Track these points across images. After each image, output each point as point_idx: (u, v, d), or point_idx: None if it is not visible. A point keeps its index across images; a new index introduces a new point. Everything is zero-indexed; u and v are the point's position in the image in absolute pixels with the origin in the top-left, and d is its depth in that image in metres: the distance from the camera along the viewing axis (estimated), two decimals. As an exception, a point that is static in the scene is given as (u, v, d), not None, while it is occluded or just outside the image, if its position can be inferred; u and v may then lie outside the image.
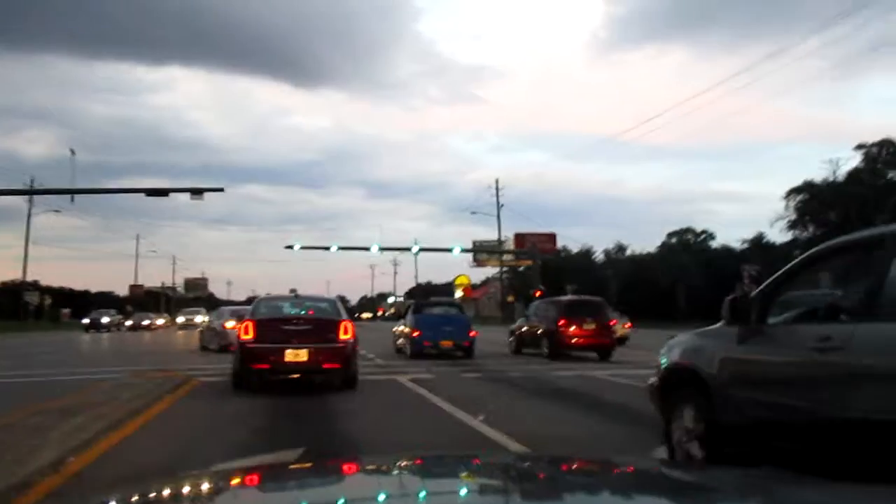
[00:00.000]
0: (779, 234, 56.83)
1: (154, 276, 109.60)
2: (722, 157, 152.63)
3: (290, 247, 53.09)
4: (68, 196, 30.91)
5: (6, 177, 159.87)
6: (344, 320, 12.23)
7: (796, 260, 5.19)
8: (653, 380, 5.99)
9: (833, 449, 4.03)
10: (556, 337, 20.23)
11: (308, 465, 2.58)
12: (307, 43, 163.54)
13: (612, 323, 21.26)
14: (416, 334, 20.61)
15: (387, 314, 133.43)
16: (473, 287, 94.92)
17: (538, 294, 58.45)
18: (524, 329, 22.65)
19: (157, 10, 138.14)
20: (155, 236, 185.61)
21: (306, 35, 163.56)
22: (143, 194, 30.42)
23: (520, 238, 66.22)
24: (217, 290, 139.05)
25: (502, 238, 64.68)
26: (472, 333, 21.13)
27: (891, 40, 73.21)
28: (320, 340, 11.61)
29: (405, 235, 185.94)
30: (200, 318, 54.88)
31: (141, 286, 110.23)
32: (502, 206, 64.42)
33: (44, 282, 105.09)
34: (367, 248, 53.91)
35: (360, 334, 14.01)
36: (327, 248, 53.76)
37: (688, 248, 66.66)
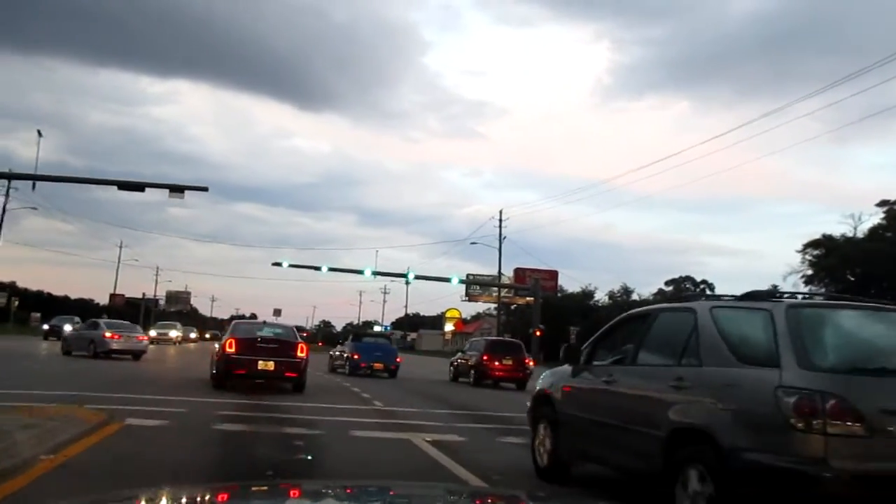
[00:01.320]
0: (791, 288, 53.04)
1: (140, 287, 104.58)
2: (713, 210, 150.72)
3: (279, 264, 48.82)
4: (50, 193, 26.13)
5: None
6: (300, 343, 16.46)
7: (608, 325, 7.38)
8: (528, 402, 8.23)
9: (613, 441, 6.18)
10: (480, 369, 24.77)
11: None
12: (315, 66, 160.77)
13: (526, 361, 25.04)
14: (355, 356, 25.66)
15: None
16: (464, 321, 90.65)
17: (538, 334, 54.53)
18: (459, 361, 27.13)
19: (170, 23, 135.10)
20: (144, 247, 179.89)
21: (315, 59, 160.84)
22: (120, 189, 25.97)
23: (520, 273, 62.13)
24: (201, 305, 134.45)
25: (501, 272, 60.31)
26: (398, 360, 26.60)
27: (885, 107, 71.29)
28: (283, 356, 15.66)
29: (396, 265, 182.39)
30: (175, 333, 50.30)
31: (122, 295, 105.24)
32: (504, 238, 60.14)
33: (22, 284, 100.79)
34: (359, 272, 49.67)
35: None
36: (318, 269, 49.53)
37: (686, 298, 62.65)
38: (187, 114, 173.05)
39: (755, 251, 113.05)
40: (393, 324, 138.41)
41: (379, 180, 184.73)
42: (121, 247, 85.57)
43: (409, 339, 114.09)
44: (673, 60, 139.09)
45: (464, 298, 76.27)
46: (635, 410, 5.89)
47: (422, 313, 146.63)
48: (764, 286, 66.69)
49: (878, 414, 4.31)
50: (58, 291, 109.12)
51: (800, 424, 4.32)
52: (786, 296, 5.79)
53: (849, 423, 4.27)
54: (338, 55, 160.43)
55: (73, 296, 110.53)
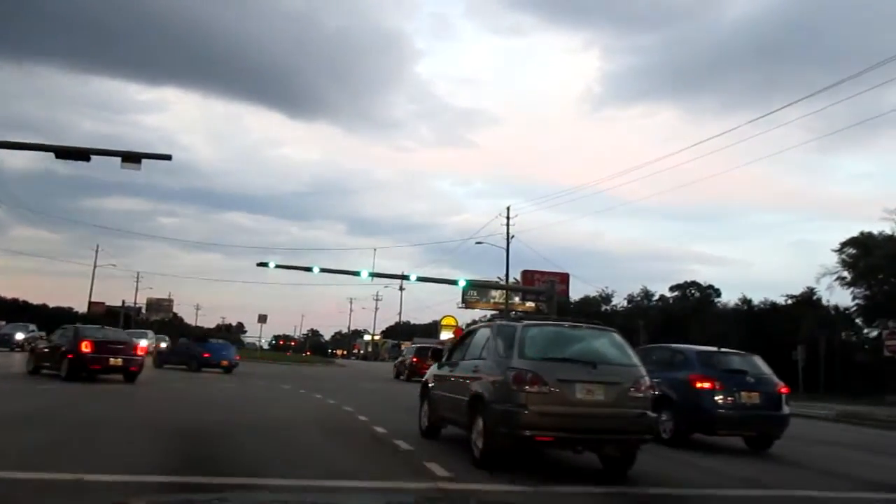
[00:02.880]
0: (826, 293, 47.10)
1: (123, 296, 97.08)
2: (700, 218, 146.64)
3: (265, 264, 42.37)
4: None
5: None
6: (139, 345, 21.44)
7: (460, 335, 12.94)
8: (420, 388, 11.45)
9: (452, 408, 9.45)
10: (412, 368, 32.39)
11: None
12: (307, 75, 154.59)
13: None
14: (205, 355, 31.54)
15: (362, 352, 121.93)
16: (460, 328, 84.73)
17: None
18: (398, 362, 36.94)
19: (159, 30, 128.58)
20: (132, 257, 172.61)
21: (307, 67, 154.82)
22: (58, 157, 19.53)
23: (528, 276, 55.93)
24: (186, 314, 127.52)
25: (508, 273, 53.89)
26: (237, 357, 32.69)
27: (870, 115, 66.61)
28: (127, 354, 19.66)
29: (377, 278, 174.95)
30: (145, 343, 43.48)
31: (101, 303, 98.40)
32: (513, 237, 53.80)
33: (7, 294, 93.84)
34: (355, 273, 43.19)
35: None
36: (309, 269, 43.04)
37: (709, 303, 56.67)
38: (177, 122, 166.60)
39: (743, 260, 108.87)
40: (384, 332, 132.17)
41: (369, 189, 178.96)
42: (97, 250, 78.46)
43: (402, 348, 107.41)
44: (662, 69, 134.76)
45: (460, 305, 70.16)
46: (459, 388, 9.26)
47: (412, 321, 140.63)
48: (781, 290, 60.53)
49: (555, 381, 7.91)
50: (40, 300, 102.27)
51: (514, 387, 7.91)
52: (523, 319, 11.39)
53: (538, 386, 7.86)
54: (330, 63, 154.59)
55: (52, 304, 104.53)
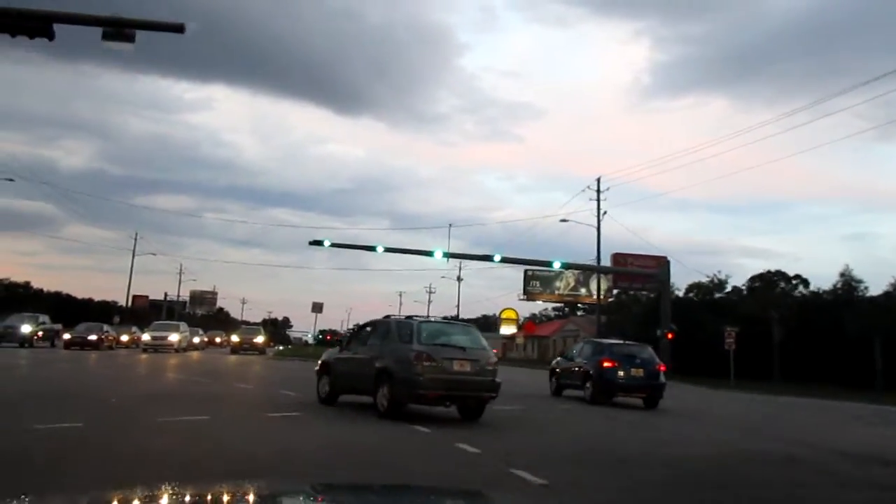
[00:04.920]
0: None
1: (168, 290, 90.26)
2: (746, 209, 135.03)
3: (319, 242, 33.93)
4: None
5: (40, 188, 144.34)
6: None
7: (358, 328, 14.55)
8: (315, 367, 13.56)
9: (356, 380, 11.94)
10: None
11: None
12: (352, 70, 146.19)
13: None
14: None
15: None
16: (536, 322, 75.30)
17: (670, 336, 38.90)
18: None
19: (208, 29, 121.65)
20: (180, 253, 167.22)
21: (352, 63, 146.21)
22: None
23: (620, 260, 46.47)
24: (232, 308, 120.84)
25: (599, 256, 44.42)
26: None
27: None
28: None
29: (429, 269, 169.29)
30: (176, 337, 35.30)
31: (145, 297, 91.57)
32: (604, 213, 44.41)
33: (52, 287, 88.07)
34: (428, 253, 34.47)
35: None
36: (373, 249, 34.46)
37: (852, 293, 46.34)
38: (223, 120, 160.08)
39: (791, 253, 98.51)
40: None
41: (412, 185, 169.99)
42: (135, 238, 70.43)
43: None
44: (714, 58, 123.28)
45: (521, 297, 61.22)
46: (365, 363, 11.54)
47: (461, 316, 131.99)
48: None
49: (440, 359, 10.70)
50: (88, 296, 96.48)
51: (416, 362, 10.52)
52: (416, 316, 12.21)
53: (430, 362, 10.58)
54: (374, 58, 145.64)
55: (98, 298, 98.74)
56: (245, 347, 37.72)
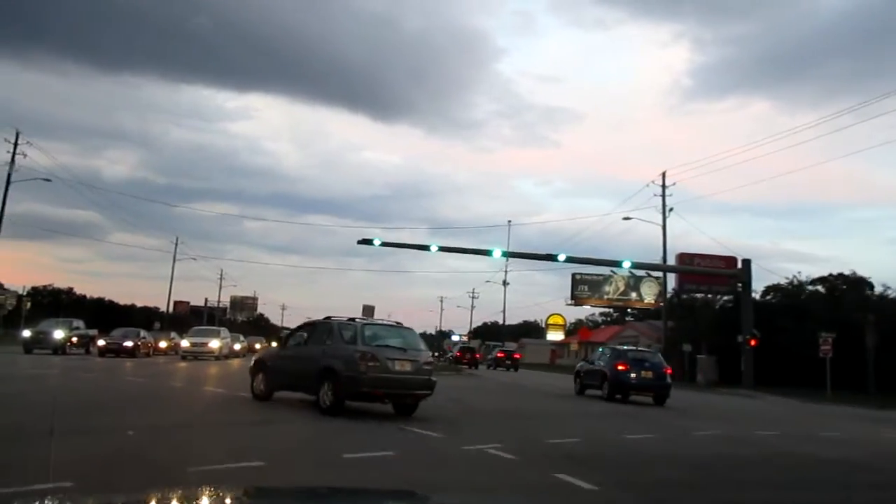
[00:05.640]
0: None
1: (209, 296, 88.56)
2: (790, 214, 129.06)
3: (369, 241, 30.95)
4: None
5: (85, 196, 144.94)
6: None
7: (297, 328, 14.56)
8: (250, 365, 13.72)
9: (296, 377, 12.11)
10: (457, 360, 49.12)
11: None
12: (389, 77, 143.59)
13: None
14: None
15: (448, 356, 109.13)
16: (587, 327, 71.63)
17: (754, 343, 35.02)
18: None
19: (247, 38, 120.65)
20: (220, 260, 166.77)
21: (389, 69, 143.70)
22: None
23: (686, 260, 42.62)
24: (271, 313, 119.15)
25: (665, 256, 40.66)
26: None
27: None
28: None
29: (467, 275, 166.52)
30: (217, 344, 32.51)
31: (186, 303, 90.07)
32: (671, 210, 40.77)
33: (95, 294, 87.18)
34: (486, 252, 31.31)
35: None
36: (426, 248, 31.43)
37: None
38: (263, 128, 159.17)
39: (836, 258, 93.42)
40: (472, 332, 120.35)
41: (449, 190, 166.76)
42: (176, 243, 68.62)
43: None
44: (756, 59, 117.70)
45: (569, 302, 57.09)
46: (308, 362, 11.75)
47: (500, 322, 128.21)
48: None
49: (383, 359, 11.00)
50: (130, 302, 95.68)
51: (360, 362, 10.79)
52: (358, 318, 12.30)
53: (373, 362, 10.87)
54: (411, 64, 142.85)
55: (140, 304, 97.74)
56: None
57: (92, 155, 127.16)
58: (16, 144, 37.78)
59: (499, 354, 51.83)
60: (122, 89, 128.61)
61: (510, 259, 32.39)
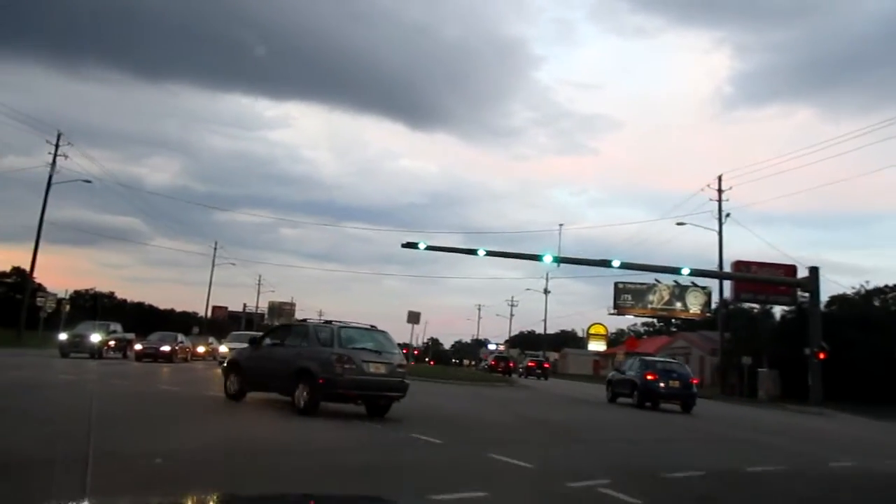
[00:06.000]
0: None
1: (247, 302, 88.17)
2: (833, 224, 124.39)
3: (414, 245, 29.47)
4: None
5: (128, 202, 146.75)
6: None
7: (270, 330, 16.09)
8: (223, 365, 14.71)
9: (272, 377, 12.25)
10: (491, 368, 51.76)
11: None
12: (427, 85, 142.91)
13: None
14: None
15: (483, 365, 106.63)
16: (639, 336, 69.21)
17: (822, 356, 32.53)
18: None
19: (288, 45, 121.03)
20: (257, 267, 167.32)
21: (427, 77, 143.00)
22: None
23: (742, 268, 40.29)
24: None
25: (721, 262, 38.38)
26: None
27: None
28: None
29: (501, 283, 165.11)
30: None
31: (224, 308, 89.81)
32: (727, 215, 38.60)
33: (136, 299, 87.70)
34: (537, 258, 29.62)
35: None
36: (473, 252, 29.82)
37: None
38: (302, 136, 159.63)
39: (886, 268, 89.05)
40: (508, 341, 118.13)
41: (485, 199, 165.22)
42: (215, 247, 68.08)
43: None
44: (799, 66, 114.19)
45: (611, 312, 55.42)
46: (283, 362, 11.90)
47: (537, 331, 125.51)
48: None
49: (359, 361, 11.30)
50: (170, 307, 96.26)
51: (337, 364, 11.07)
52: (335, 321, 12.36)
53: (349, 364, 11.17)
54: (449, 73, 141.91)
55: (179, 309, 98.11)
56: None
57: (134, 162, 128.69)
58: (57, 146, 37.32)
59: (530, 363, 55.23)
60: (164, 97, 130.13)
61: (560, 265, 30.36)
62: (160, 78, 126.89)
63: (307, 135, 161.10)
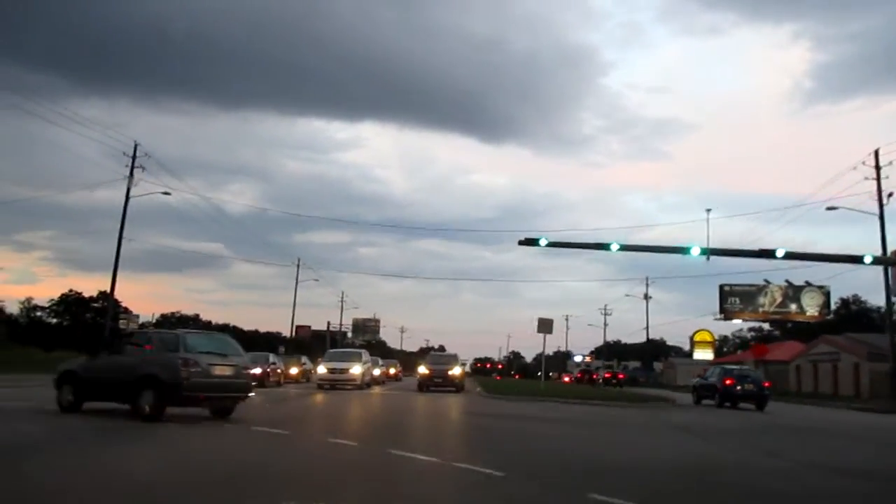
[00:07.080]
0: None
1: (331, 321, 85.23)
2: None
3: (534, 241, 24.62)
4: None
5: (209, 228, 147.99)
6: None
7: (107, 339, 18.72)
8: (54, 376, 12.86)
9: (111, 387, 11.95)
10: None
11: None
12: (496, 98, 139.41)
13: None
14: None
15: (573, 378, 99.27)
16: (763, 342, 62.41)
17: None
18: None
19: (359, 67, 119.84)
20: (337, 286, 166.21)
21: (496, 90, 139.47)
22: None
23: (908, 258, 33.62)
24: (389, 337, 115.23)
25: (885, 247, 31.79)
26: None
27: None
28: None
29: (578, 294, 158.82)
30: (359, 370, 26.72)
31: (307, 327, 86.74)
32: (891, 195, 32.08)
33: (220, 321, 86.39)
34: (683, 251, 24.37)
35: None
36: (605, 247, 24.72)
37: None
38: (374, 156, 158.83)
39: None
40: (593, 353, 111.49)
41: (558, 209, 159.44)
42: (298, 264, 64.85)
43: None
44: (883, 53, 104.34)
45: (717, 317, 48.86)
46: (125, 371, 11.64)
47: (623, 341, 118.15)
48: None
49: (205, 364, 11.50)
50: (253, 328, 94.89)
51: (182, 369, 11.19)
52: (178, 329, 13.40)
53: (196, 368, 11.28)
54: (518, 85, 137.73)
55: (263, 329, 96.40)
56: (437, 383, 27.64)
57: (215, 189, 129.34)
58: (134, 157, 34.57)
59: (605, 375, 59.50)
60: (243, 125, 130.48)
61: (709, 258, 24.88)
62: (238, 107, 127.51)
63: (379, 154, 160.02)
